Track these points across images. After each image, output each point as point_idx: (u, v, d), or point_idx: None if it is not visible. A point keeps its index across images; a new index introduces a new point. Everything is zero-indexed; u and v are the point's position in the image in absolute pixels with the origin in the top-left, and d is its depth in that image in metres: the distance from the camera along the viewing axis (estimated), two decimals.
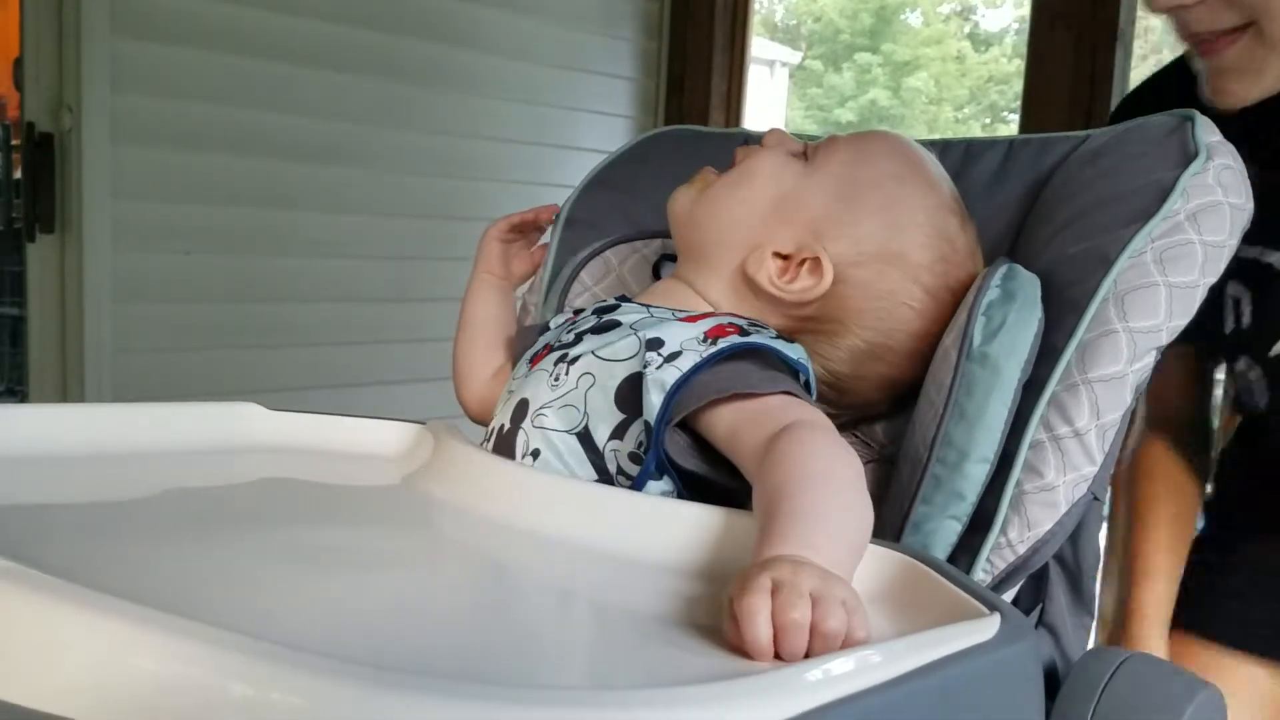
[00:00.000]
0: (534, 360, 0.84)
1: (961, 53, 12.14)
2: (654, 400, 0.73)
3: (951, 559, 0.74)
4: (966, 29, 12.57)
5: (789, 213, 0.84)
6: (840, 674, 0.44)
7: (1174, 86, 0.98)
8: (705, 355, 0.74)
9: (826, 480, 0.63)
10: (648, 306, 0.84)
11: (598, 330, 0.81)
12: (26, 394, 2.07)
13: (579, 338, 0.81)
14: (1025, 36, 2.09)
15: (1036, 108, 2.05)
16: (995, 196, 0.92)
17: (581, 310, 0.88)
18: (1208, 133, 0.82)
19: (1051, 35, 1.97)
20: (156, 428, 0.81)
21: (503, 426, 0.81)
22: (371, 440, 0.85)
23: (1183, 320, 0.77)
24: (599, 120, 2.62)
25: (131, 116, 1.91)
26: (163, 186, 1.97)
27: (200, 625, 0.39)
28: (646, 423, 0.74)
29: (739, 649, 0.50)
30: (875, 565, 0.61)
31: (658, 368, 0.74)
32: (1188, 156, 0.81)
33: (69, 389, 1.91)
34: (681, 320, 0.80)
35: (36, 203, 1.88)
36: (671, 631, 0.54)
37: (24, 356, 2.03)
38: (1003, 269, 0.79)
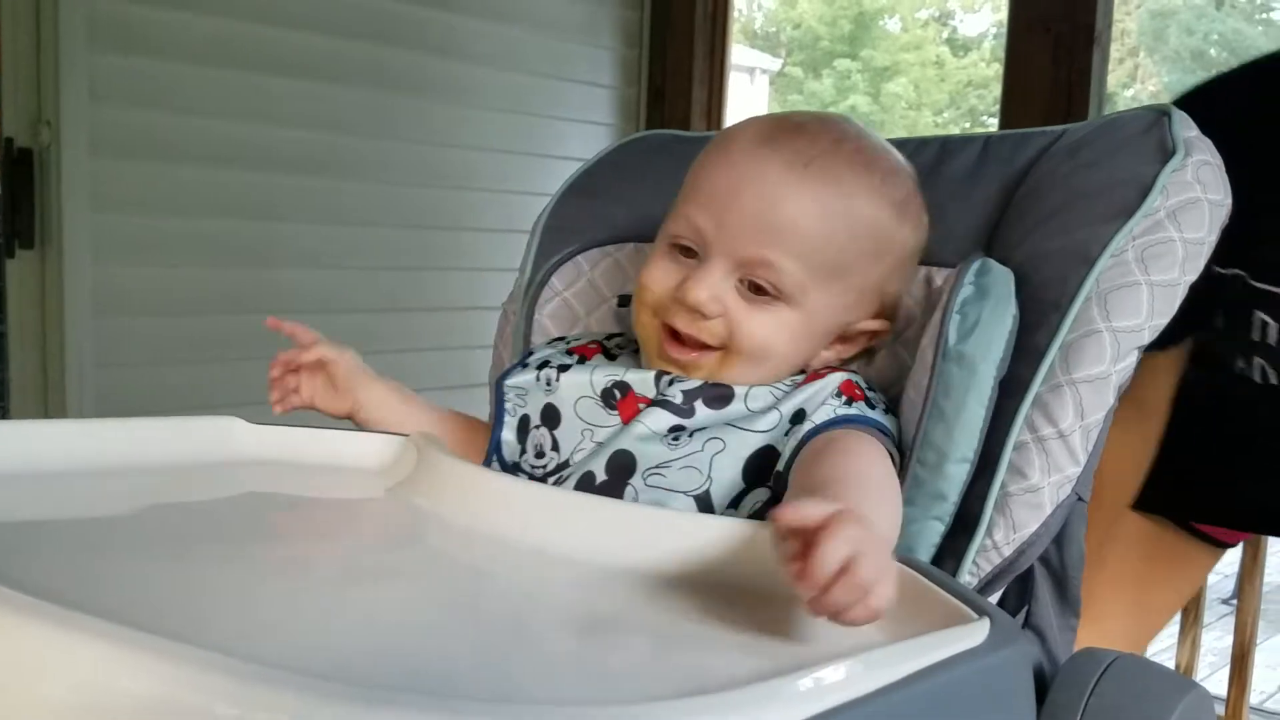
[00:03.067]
0: (622, 409, 0.80)
1: (940, 58, 12.21)
2: (790, 454, 0.75)
3: (937, 561, 0.74)
4: (945, 34, 12.66)
5: (814, 327, 0.80)
6: (832, 683, 0.44)
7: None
8: (837, 415, 0.76)
9: (873, 477, 0.69)
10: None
11: (715, 402, 0.78)
12: (8, 409, 2.06)
13: (691, 406, 0.78)
14: (1003, 41, 2.10)
15: (1015, 111, 2.06)
16: (971, 191, 0.92)
17: (586, 340, 0.89)
18: (1185, 128, 0.82)
19: (1029, 39, 1.98)
20: (137, 443, 0.80)
21: (593, 475, 0.79)
22: (355, 453, 0.85)
23: (1164, 319, 0.78)
24: (581, 129, 2.62)
25: (111, 130, 1.89)
26: (143, 199, 1.96)
27: (184, 646, 0.39)
28: (771, 489, 0.75)
29: (788, 565, 0.51)
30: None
31: (798, 428, 0.76)
32: (1166, 152, 0.81)
33: (50, 404, 1.89)
34: (807, 381, 0.79)
35: (16, 218, 1.86)
36: (661, 642, 0.54)
37: (5, 372, 2.01)
38: (975, 264, 0.79)
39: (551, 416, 0.83)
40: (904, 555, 0.63)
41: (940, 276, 0.87)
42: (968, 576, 0.73)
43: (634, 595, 0.60)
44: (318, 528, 0.73)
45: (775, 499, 0.74)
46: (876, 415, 0.78)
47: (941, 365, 0.75)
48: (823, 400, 0.77)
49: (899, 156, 0.85)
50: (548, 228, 1.07)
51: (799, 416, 0.77)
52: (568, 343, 0.91)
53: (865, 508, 0.57)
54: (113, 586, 0.54)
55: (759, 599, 0.59)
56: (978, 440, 0.74)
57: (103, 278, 1.91)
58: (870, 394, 0.80)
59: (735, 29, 2.76)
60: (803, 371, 0.82)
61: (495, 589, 0.64)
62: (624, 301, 0.94)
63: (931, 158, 0.94)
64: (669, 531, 0.65)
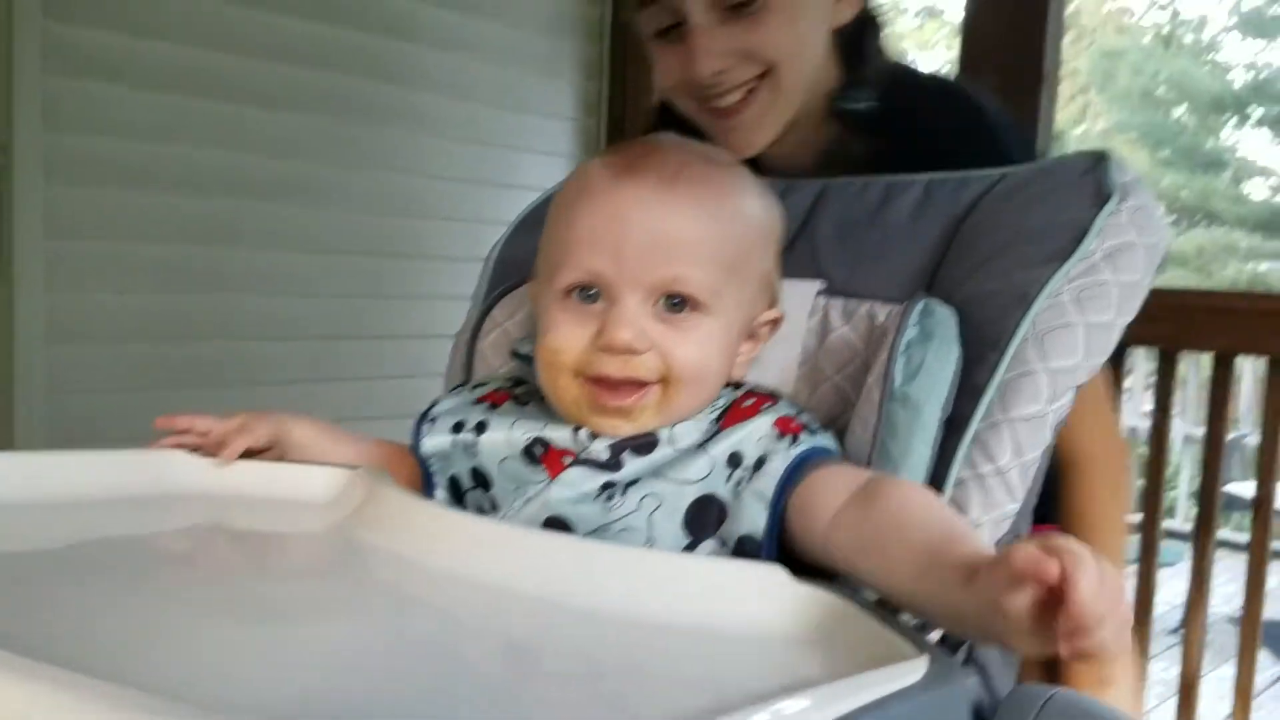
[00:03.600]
0: (547, 463, 0.78)
1: None
2: (755, 511, 0.73)
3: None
4: None
5: (733, 332, 0.80)
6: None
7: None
8: (794, 459, 0.74)
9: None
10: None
11: (641, 449, 0.77)
12: None
13: (618, 460, 0.77)
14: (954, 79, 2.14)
15: None
16: (915, 231, 0.93)
17: (492, 386, 0.87)
18: (1121, 173, 0.85)
19: (979, 78, 2.02)
20: (79, 476, 0.79)
21: None
22: (302, 487, 0.84)
23: (1100, 359, 0.79)
24: (541, 160, 2.63)
25: (66, 155, 1.88)
26: (98, 225, 1.94)
27: (119, 687, 0.39)
28: (721, 539, 0.74)
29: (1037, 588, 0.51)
30: (804, 605, 0.62)
31: (750, 480, 0.74)
32: (1102, 197, 0.83)
33: None
34: (739, 422, 0.77)
35: None
36: (601, 678, 0.54)
37: None
38: (919, 305, 0.80)
39: (482, 479, 0.81)
40: (844, 591, 0.64)
41: (883, 313, 0.87)
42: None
43: (582, 630, 0.60)
44: (262, 563, 0.73)
45: (733, 550, 0.73)
46: (822, 441, 0.77)
47: (888, 407, 0.76)
48: (762, 443, 0.76)
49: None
50: (499, 259, 1.08)
51: (735, 460, 0.76)
52: (473, 391, 0.88)
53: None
54: (47, 624, 0.53)
55: (703, 635, 0.59)
56: (924, 481, 0.75)
57: (55, 304, 1.89)
58: (803, 418, 0.78)
59: None
60: (727, 386, 0.81)
61: (442, 624, 0.64)
62: (522, 356, 0.90)
63: (877, 198, 0.95)
64: (621, 567, 0.65)
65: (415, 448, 0.84)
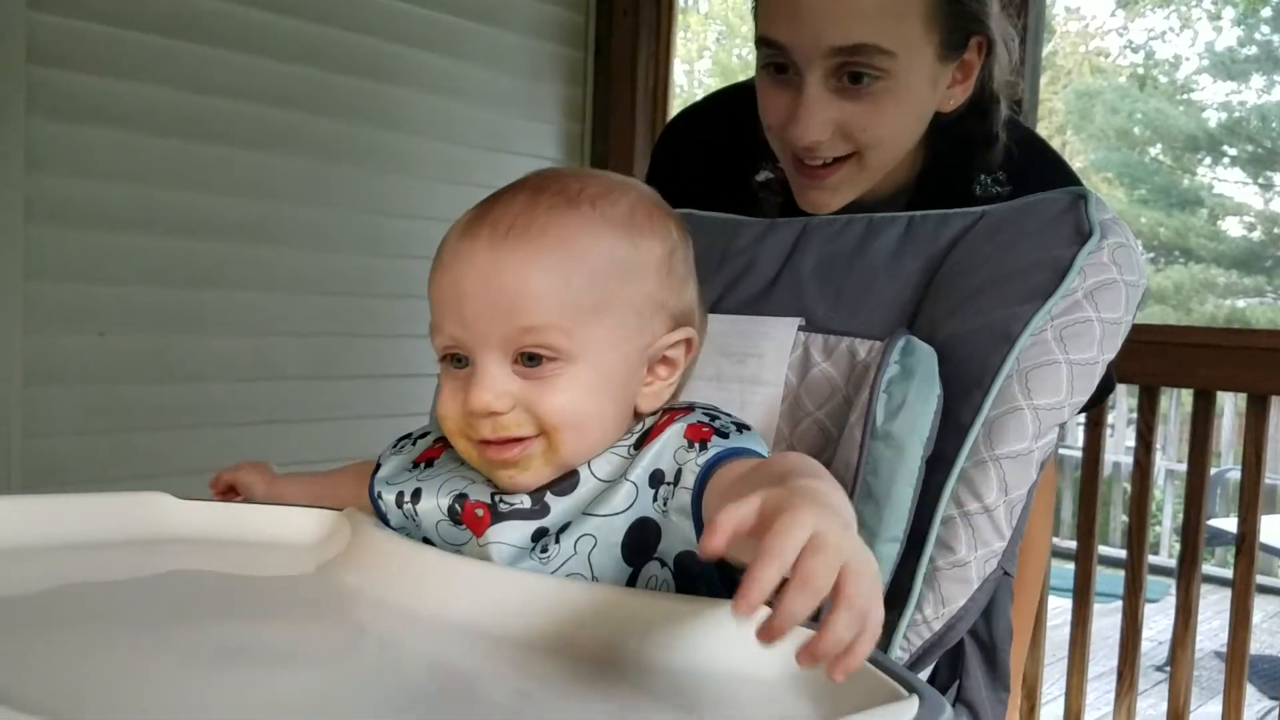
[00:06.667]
0: (466, 520, 0.76)
1: None
2: (684, 527, 0.72)
3: None
4: None
5: (606, 371, 0.76)
6: None
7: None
8: (702, 466, 0.72)
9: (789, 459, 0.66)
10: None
11: (563, 491, 0.75)
12: None
13: (543, 504, 0.75)
14: None
15: None
16: (896, 268, 0.93)
17: (431, 439, 0.85)
18: (1101, 211, 0.86)
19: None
20: (60, 520, 0.78)
21: None
22: (286, 529, 0.83)
23: (1083, 396, 0.80)
24: None
25: (45, 196, 1.87)
26: (76, 266, 1.93)
27: None
28: (659, 559, 0.73)
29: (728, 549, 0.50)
30: (792, 645, 0.61)
31: (673, 497, 0.72)
32: (1082, 235, 0.84)
33: None
34: (648, 441, 0.75)
35: None
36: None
37: None
38: (900, 343, 0.80)
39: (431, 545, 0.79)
40: None
41: (864, 349, 0.87)
42: (899, 652, 0.74)
43: (568, 671, 0.60)
44: (246, 608, 0.72)
45: (675, 568, 0.72)
46: (737, 442, 0.74)
47: (870, 444, 0.76)
48: (676, 456, 0.74)
49: (613, 177, 0.82)
50: None
51: (657, 478, 0.74)
52: (415, 446, 0.86)
53: (802, 483, 0.55)
54: (27, 670, 0.52)
55: (690, 677, 0.59)
56: (907, 519, 0.75)
57: (32, 345, 1.87)
58: (719, 422, 0.75)
59: (676, 104, 2.81)
60: (639, 416, 0.79)
61: (430, 669, 0.63)
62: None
63: (859, 234, 0.96)
64: (607, 608, 0.64)
65: (383, 519, 0.82)
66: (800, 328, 0.91)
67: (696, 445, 0.73)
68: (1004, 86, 1.08)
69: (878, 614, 0.50)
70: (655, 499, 0.73)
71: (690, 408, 0.77)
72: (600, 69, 2.72)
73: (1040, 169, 1.09)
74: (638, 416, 0.78)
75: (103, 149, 1.94)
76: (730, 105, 1.19)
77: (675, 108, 2.76)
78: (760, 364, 0.90)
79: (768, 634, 0.49)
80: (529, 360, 0.73)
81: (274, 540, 0.83)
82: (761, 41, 1.01)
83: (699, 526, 0.70)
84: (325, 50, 2.24)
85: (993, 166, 1.09)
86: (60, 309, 1.92)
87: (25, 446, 1.87)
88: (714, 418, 0.75)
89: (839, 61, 0.96)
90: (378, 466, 0.84)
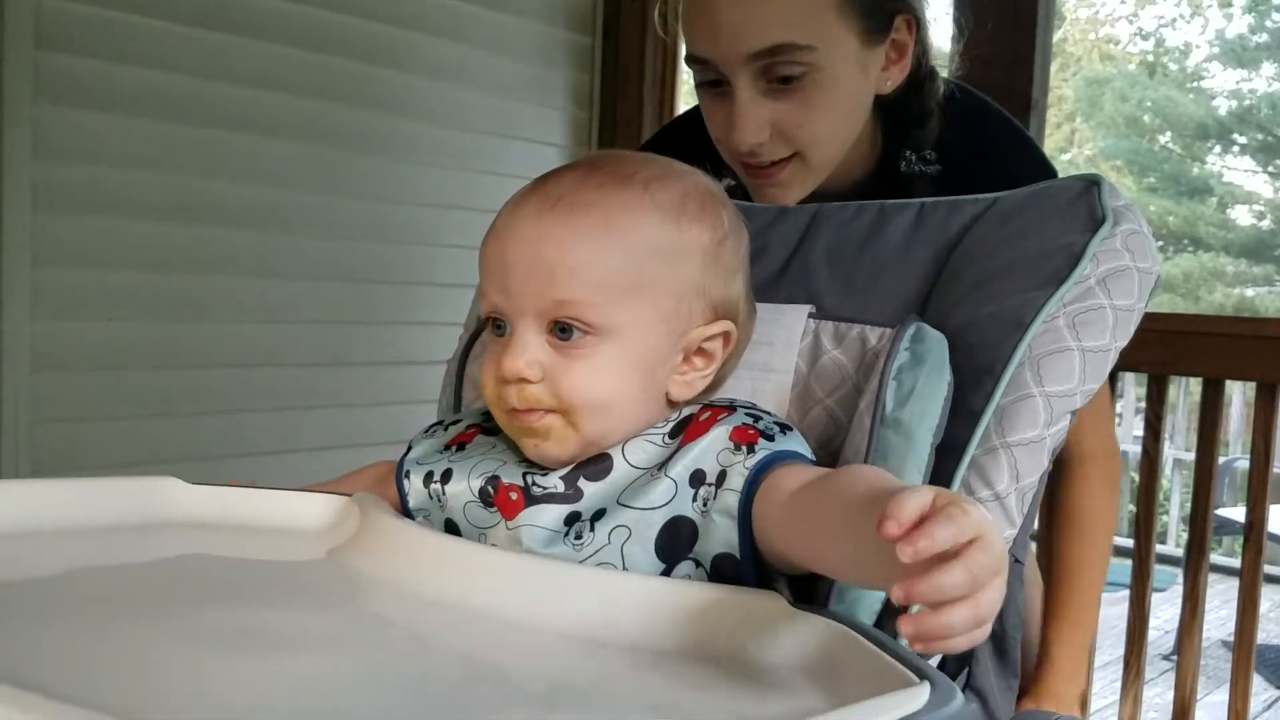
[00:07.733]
0: (499, 503, 0.77)
1: None
2: (725, 529, 0.72)
3: (880, 625, 0.74)
4: None
5: (638, 353, 0.76)
6: None
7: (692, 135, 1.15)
8: (751, 469, 0.72)
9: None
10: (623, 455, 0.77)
11: (596, 474, 0.76)
12: None
13: (576, 488, 0.75)
14: None
15: None
16: (907, 255, 0.93)
17: (465, 423, 0.85)
18: (1114, 197, 0.85)
19: None
20: (70, 505, 0.78)
21: None
22: (296, 513, 0.83)
23: (1095, 384, 0.79)
24: None
25: (53, 183, 1.87)
26: (84, 253, 1.94)
27: (109, 718, 0.38)
28: (694, 559, 0.73)
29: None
30: (804, 633, 0.61)
31: (715, 498, 0.72)
32: (1095, 221, 0.83)
33: None
34: (694, 439, 0.75)
35: None
36: (609, 709, 0.53)
37: None
38: (911, 329, 0.80)
39: (453, 530, 0.80)
40: (844, 617, 0.63)
41: (874, 336, 0.87)
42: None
43: (586, 661, 0.60)
44: (256, 593, 0.72)
45: (710, 570, 0.72)
46: (783, 444, 0.74)
47: (879, 431, 0.76)
48: (719, 458, 0.74)
49: (676, 164, 0.82)
50: None
51: (698, 478, 0.74)
52: (447, 431, 0.86)
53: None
54: (36, 654, 0.53)
55: (703, 664, 0.59)
56: None
57: (40, 332, 1.88)
58: (762, 423, 0.75)
59: (684, 90, 2.81)
60: (673, 405, 0.79)
61: (440, 656, 0.63)
62: None
63: (870, 221, 0.95)
64: (621, 595, 0.64)
65: (403, 499, 0.83)
66: (810, 315, 0.91)
67: (744, 448, 0.73)
68: (941, 59, 1.12)
69: (990, 607, 0.51)
70: (695, 499, 0.73)
71: (732, 407, 0.77)
72: (608, 55, 2.71)
73: (985, 145, 1.11)
74: (671, 405, 0.79)
75: (110, 135, 1.94)
76: (684, 129, 1.25)
77: (682, 95, 2.75)
78: (770, 351, 0.89)
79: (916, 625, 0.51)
80: (562, 332, 0.75)
81: (283, 525, 0.83)
82: (690, 60, 1.06)
83: (744, 529, 0.71)
84: (333, 36, 2.23)
85: (925, 143, 1.11)
86: (68, 295, 1.92)
87: (33, 433, 1.88)
88: (757, 419, 0.76)
89: (762, 65, 1.00)
90: (409, 449, 0.86)
